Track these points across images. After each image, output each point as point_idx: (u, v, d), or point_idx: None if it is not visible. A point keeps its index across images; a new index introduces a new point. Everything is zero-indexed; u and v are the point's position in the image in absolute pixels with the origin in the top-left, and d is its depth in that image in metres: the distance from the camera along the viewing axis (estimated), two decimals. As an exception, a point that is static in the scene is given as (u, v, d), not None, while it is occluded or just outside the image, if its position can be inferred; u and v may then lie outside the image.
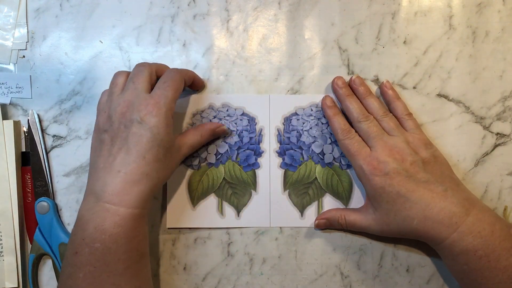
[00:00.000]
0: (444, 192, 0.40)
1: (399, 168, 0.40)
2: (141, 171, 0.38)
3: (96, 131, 0.41)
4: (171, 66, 0.46)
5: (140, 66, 0.41)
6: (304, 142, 0.46)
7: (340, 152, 0.46)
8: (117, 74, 0.42)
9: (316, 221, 0.45)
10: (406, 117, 0.44)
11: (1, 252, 0.45)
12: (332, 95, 0.46)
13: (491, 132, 0.46)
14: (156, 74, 0.41)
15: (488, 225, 0.38)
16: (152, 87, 0.40)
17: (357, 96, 0.45)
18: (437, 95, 0.46)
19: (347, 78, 0.46)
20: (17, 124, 0.46)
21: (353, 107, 0.43)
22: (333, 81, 0.45)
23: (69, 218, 0.47)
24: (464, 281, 0.40)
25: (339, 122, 0.43)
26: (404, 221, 0.40)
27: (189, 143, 0.43)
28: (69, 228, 0.47)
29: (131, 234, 0.38)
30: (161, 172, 0.39)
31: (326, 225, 0.45)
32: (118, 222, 0.37)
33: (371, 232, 0.43)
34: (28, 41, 0.47)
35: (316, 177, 0.46)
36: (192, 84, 0.45)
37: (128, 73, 0.42)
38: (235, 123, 0.46)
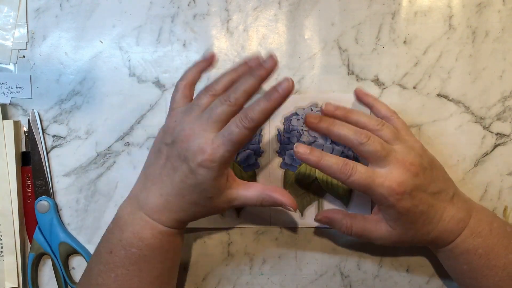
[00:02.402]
0: (451, 199, 0.39)
1: (417, 183, 0.37)
2: (179, 205, 0.37)
3: (161, 136, 0.39)
4: (171, 67, 0.46)
5: (227, 100, 0.36)
6: (304, 142, 0.46)
7: (340, 152, 0.45)
8: (205, 92, 0.38)
9: (319, 217, 0.42)
10: (393, 117, 0.41)
11: (1, 252, 0.45)
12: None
13: (491, 132, 0.46)
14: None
15: (487, 224, 0.39)
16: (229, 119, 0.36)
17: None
18: (437, 95, 0.46)
19: (347, 78, 0.46)
20: (17, 124, 0.46)
21: (347, 132, 0.38)
22: (306, 122, 0.40)
23: (69, 218, 0.47)
24: (465, 282, 0.40)
25: (331, 162, 0.37)
26: (421, 235, 0.39)
27: (245, 201, 0.38)
28: (69, 228, 0.47)
29: (168, 246, 0.39)
30: (200, 213, 0.38)
31: (327, 223, 0.42)
32: (156, 235, 0.38)
33: (378, 243, 0.41)
34: (28, 41, 0.47)
35: (316, 177, 0.46)
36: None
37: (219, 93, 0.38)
38: (235, 123, 0.46)
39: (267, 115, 0.36)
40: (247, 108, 0.36)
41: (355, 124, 0.39)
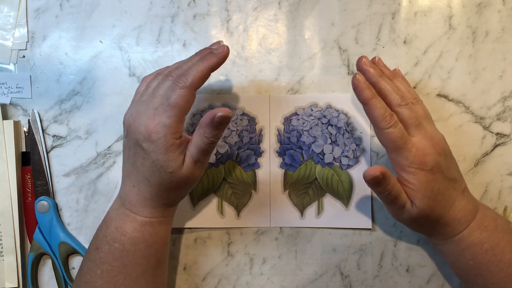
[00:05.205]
0: (464, 190, 0.40)
1: (440, 162, 0.38)
2: (149, 191, 0.37)
3: (124, 131, 0.40)
4: (171, 66, 0.46)
5: (169, 75, 0.37)
6: (304, 142, 0.46)
7: (340, 152, 0.45)
8: (144, 79, 0.41)
9: (371, 172, 0.36)
10: (419, 102, 0.41)
11: (1, 252, 0.45)
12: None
13: (491, 132, 0.46)
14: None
15: (492, 220, 0.39)
16: None
17: None
18: (437, 95, 0.46)
19: (347, 78, 0.46)
20: (17, 124, 0.46)
21: (389, 88, 0.39)
22: (359, 61, 0.39)
23: (69, 218, 0.47)
24: (469, 278, 0.40)
25: (380, 107, 0.37)
26: (436, 216, 0.39)
27: (202, 152, 0.37)
28: (69, 228, 0.47)
29: (150, 239, 0.38)
30: (174, 193, 0.38)
31: (379, 180, 0.36)
32: (137, 227, 0.38)
33: (400, 216, 0.39)
34: (28, 41, 0.47)
35: (316, 177, 0.46)
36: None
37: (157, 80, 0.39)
38: (235, 123, 0.46)
39: (202, 74, 0.36)
40: (180, 70, 0.36)
41: (395, 87, 0.39)
